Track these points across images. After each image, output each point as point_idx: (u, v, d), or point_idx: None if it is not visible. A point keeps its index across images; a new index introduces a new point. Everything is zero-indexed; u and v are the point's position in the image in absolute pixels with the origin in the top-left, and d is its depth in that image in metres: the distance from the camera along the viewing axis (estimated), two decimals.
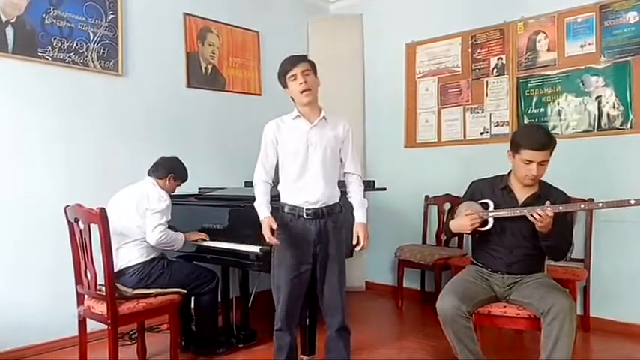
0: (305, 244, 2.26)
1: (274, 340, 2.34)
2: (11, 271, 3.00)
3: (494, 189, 2.44)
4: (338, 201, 2.35)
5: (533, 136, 2.29)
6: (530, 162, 2.25)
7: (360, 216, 2.37)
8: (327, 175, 2.29)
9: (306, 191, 2.26)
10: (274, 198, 2.36)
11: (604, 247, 3.39)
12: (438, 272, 3.73)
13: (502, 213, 2.31)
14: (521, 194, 2.37)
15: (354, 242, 2.37)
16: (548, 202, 2.19)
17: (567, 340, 2.08)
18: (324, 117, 2.31)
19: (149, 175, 2.91)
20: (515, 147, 2.31)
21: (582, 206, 2.26)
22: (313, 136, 2.26)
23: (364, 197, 2.41)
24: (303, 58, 2.31)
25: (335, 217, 2.31)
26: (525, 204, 2.33)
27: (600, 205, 2.21)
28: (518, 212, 2.26)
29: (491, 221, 2.35)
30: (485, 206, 2.38)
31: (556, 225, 2.20)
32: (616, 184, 3.32)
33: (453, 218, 2.53)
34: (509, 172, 2.45)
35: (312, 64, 2.32)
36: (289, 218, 2.29)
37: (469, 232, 2.38)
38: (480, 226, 2.35)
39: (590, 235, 3.38)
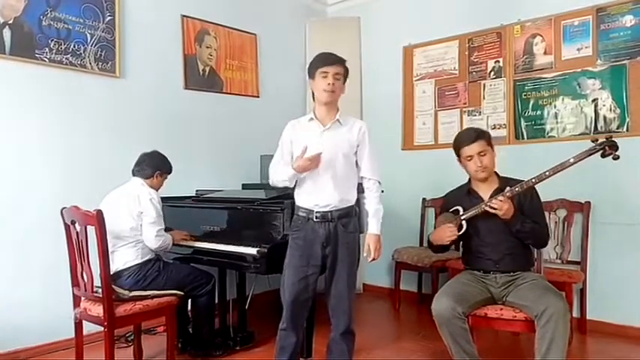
0: (314, 246, 2.27)
1: (277, 339, 2.33)
2: (7, 273, 2.98)
3: (461, 196, 2.58)
4: (353, 204, 2.34)
5: (465, 134, 2.56)
6: (471, 156, 2.45)
7: (373, 226, 2.36)
8: (339, 179, 2.28)
9: (317, 194, 2.27)
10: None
11: (600, 249, 3.40)
12: (435, 274, 3.73)
13: (470, 213, 2.44)
14: (485, 192, 2.49)
15: (364, 253, 2.37)
16: (508, 188, 2.35)
17: (561, 342, 2.09)
18: (337, 119, 2.30)
19: (134, 175, 2.88)
20: (456, 151, 2.53)
21: (533, 180, 2.34)
22: (325, 139, 2.26)
23: (380, 204, 2.37)
24: (341, 61, 2.29)
25: (346, 221, 2.30)
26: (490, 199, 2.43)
27: (547, 173, 2.30)
28: (483, 207, 2.39)
29: (464, 224, 2.46)
30: (457, 212, 2.50)
31: (517, 209, 2.36)
32: (613, 187, 3.33)
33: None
34: (469, 178, 2.59)
35: (347, 71, 2.31)
36: (301, 220, 2.31)
37: (448, 241, 2.47)
38: (457, 231, 2.45)
39: (586, 237, 3.39)
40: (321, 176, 2.27)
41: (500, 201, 2.31)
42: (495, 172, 2.55)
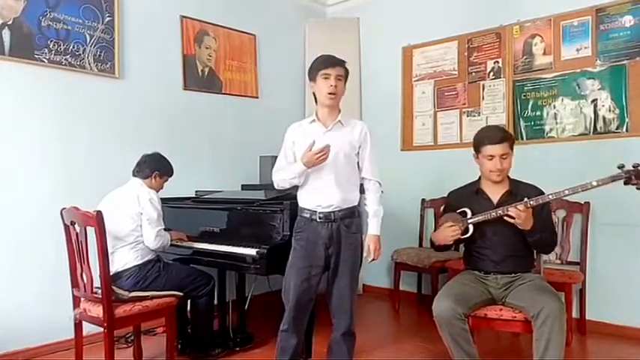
0: (316, 247, 2.28)
1: (278, 341, 2.34)
2: (7, 274, 2.98)
3: (468, 195, 2.53)
4: (356, 205, 2.35)
5: (491, 132, 2.47)
6: (493, 156, 2.38)
7: (373, 227, 2.38)
8: (341, 179, 2.29)
9: (320, 195, 2.28)
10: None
11: (600, 250, 3.40)
12: (434, 275, 3.73)
13: (479, 218, 2.40)
14: (495, 194, 2.46)
15: (364, 254, 2.38)
16: (526, 199, 2.27)
17: (558, 342, 2.10)
18: (339, 121, 2.32)
19: (134, 175, 2.88)
20: (477, 146, 2.45)
21: (550, 196, 2.30)
22: (326, 141, 2.25)
23: (379, 204, 2.39)
24: (342, 62, 2.32)
25: (349, 221, 2.31)
26: (500, 202, 2.42)
27: (566, 192, 2.24)
28: (493, 214, 2.35)
29: (471, 228, 2.43)
30: (464, 214, 2.46)
31: (536, 218, 2.30)
32: (612, 188, 3.32)
33: (436, 230, 2.59)
34: (480, 177, 2.55)
35: (347, 72, 2.34)
36: (304, 221, 2.32)
37: (451, 242, 2.45)
38: (462, 234, 2.42)
39: (586, 238, 3.39)
40: (323, 177, 2.28)
41: (521, 210, 2.24)
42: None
